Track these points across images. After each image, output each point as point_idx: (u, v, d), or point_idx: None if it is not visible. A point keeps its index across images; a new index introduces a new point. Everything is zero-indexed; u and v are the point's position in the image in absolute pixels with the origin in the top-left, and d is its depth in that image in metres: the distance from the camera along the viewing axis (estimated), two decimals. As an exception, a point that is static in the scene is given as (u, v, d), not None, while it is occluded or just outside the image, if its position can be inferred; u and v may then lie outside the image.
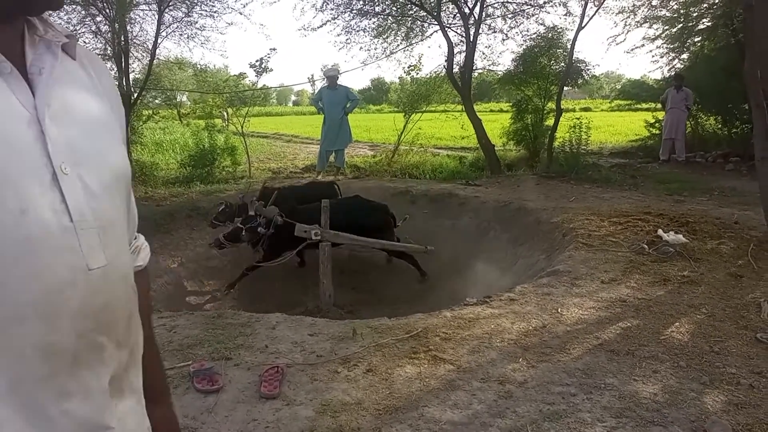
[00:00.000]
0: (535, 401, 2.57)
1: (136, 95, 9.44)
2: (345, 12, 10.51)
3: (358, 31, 10.91)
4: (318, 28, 10.71)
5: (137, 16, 9.83)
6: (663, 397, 2.60)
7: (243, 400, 2.62)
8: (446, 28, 10.19)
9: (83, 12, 9.26)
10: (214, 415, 2.49)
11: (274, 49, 10.34)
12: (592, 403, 2.56)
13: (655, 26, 11.81)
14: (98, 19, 9.34)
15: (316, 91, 11.04)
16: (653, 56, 12.29)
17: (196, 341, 3.27)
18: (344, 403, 2.58)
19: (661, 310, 3.67)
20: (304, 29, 10.86)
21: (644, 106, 15.77)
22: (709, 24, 11.47)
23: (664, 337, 3.25)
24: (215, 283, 6.89)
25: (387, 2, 10.57)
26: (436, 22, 10.23)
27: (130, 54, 9.39)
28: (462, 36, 10.26)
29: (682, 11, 11.51)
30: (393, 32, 11.15)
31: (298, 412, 2.51)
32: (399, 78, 13.14)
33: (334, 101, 9.83)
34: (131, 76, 9.56)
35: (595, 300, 3.88)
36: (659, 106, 11.66)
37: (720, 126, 11.97)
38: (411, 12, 10.77)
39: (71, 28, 9.07)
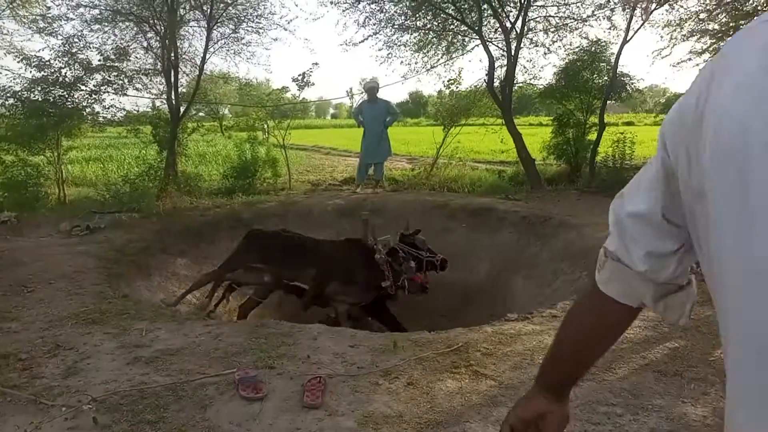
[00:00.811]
0: (579, 420, 2.53)
1: (183, 109, 9.72)
2: (386, 27, 10.62)
3: (399, 45, 10.99)
4: (360, 43, 10.84)
5: (187, 33, 10.17)
6: (712, 420, 2.53)
7: (286, 409, 2.66)
8: (487, 42, 10.19)
9: (135, 28, 9.63)
10: (259, 423, 2.54)
11: (317, 64, 10.51)
12: (639, 424, 2.50)
13: (702, 40, 11.52)
14: (149, 35, 9.70)
15: (356, 105, 11.15)
16: (700, 70, 11.98)
17: (240, 349, 3.35)
18: (386, 415, 2.60)
19: (710, 330, 3.56)
20: (346, 44, 11.02)
21: (690, 120, 15.38)
22: (759, 37, 11.14)
23: (713, 359, 3.15)
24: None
25: (428, 17, 10.63)
26: (477, 37, 10.24)
27: (179, 69, 9.69)
28: (503, 50, 10.23)
29: (731, 24, 11.21)
30: (434, 47, 11.19)
31: (340, 422, 2.54)
32: (438, 91, 13.16)
33: (375, 115, 9.91)
34: (179, 90, 9.85)
35: (640, 319, 3.79)
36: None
37: None
38: (452, 27, 10.80)
39: (124, 43, 9.47)
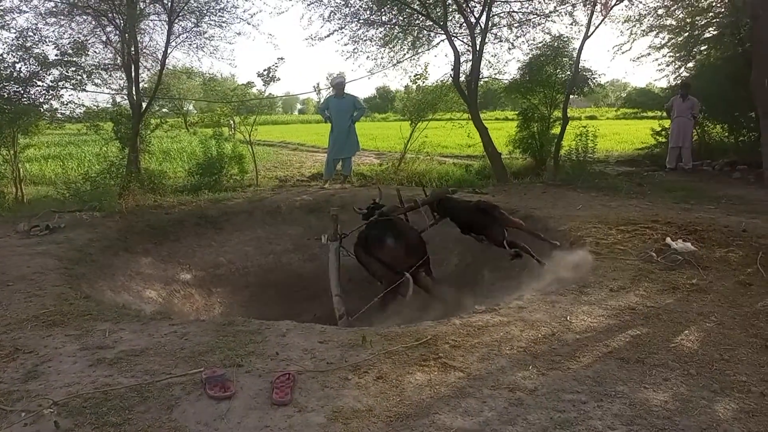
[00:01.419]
0: (545, 409, 2.58)
1: (145, 105, 9.51)
2: (352, 22, 10.57)
3: (365, 40, 10.96)
4: (325, 37, 10.77)
5: (147, 27, 9.93)
6: (674, 405, 2.61)
7: (255, 407, 2.64)
8: (453, 38, 10.25)
9: (93, 22, 9.36)
10: (227, 422, 2.51)
11: (282, 59, 10.41)
12: (603, 410, 2.56)
13: (661, 35, 11.84)
14: (108, 29, 9.44)
15: (323, 100, 11.09)
16: (659, 65, 12.28)
17: (207, 348, 3.30)
18: (355, 410, 2.60)
19: (670, 318, 3.67)
20: (312, 39, 10.93)
21: (650, 114, 15.78)
22: (715, 33, 11.48)
23: (673, 345, 3.25)
24: (222, 291, 6.92)
25: (394, 12, 10.63)
26: (442, 32, 10.29)
27: (140, 64, 9.46)
28: (468, 45, 10.32)
29: (688, 20, 11.53)
30: (400, 41, 11.20)
31: (309, 418, 2.53)
32: (405, 86, 13.16)
33: (342, 110, 9.87)
34: (141, 85, 9.63)
35: (603, 308, 3.88)
36: (665, 114, 11.66)
37: (727, 134, 11.96)
38: (418, 22, 10.82)
39: (81, 37, 9.19)
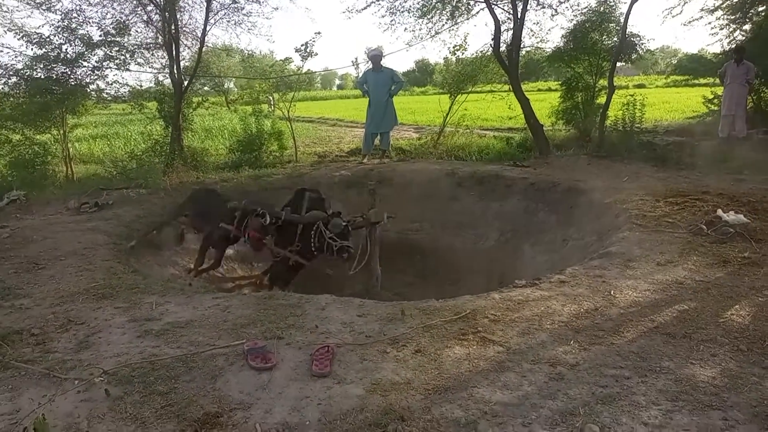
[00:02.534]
0: (587, 384, 2.54)
1: (186, 83, 9.65)
2: (389, -8, 10.41)
3: (402, 11, 10.78)
4: (362, 9, 10.66)
5: (186, 4, 10.04)
6: (722, 381, 2.52)
7: (295, 378, 2.68)
8: (493, 5, 9.95)
9: (135, 2, 9.51)
10: (268, 392, 2.57)
11: (319, 33, 10.36)
12: (647, 386, 2.50)
13: (715, -5, 11.22)
14: (149, 8, 9.58)
15: (361, 74, 11.01)
16: (712, 28, 11.66)
17: (249, 321, 3.37)
18: (394, 382, 2.61)
19: (720, 292, 3.54)
20: (348, 11, 10.83)
21: (702, 81, 15.09)
22: (775, -9, 10.81)
23: (723, 320, 3.13)
24: (263, 266, 7.04)
25: (432, -19, 10.40)
26: (482, 0, 10.02)
27: (180, 42, 9.59)
28: (509, 13, 10.01)
29: (745, -21, 10.89)
30: (438, 11, 10.95)
31: (348, 390, 2.56)
32: (444, 58, 12.91)
33: (379, 83, 9.78)
34: (181, 63, 9.76)
35: (649, 282, 3.77)
36: (718, 81, 11.11)
37: (785, 100, 11.32)
38: (456, -10, 10.57)
39: (123, 17, 9.36)
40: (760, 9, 11.22)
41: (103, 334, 3.24)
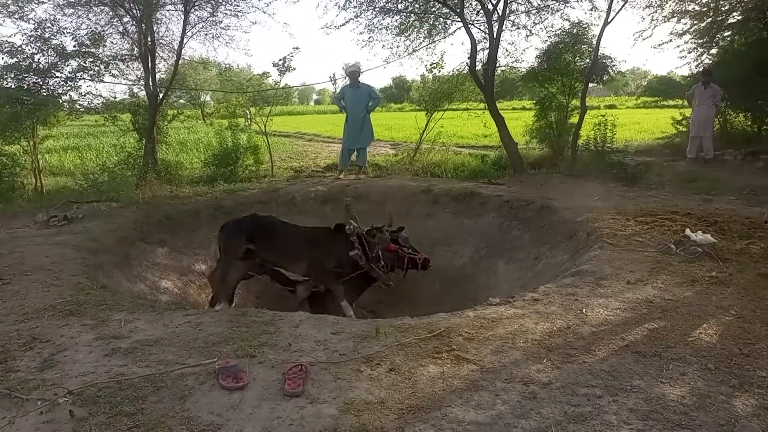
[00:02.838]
0: (559, 403, 2.55)
1: (162, 95, 9.56)
2: (368, 10, 10.49)
3: (380, 29, 10.88)
4: (341, 26, 10.71)
5: (163, 17, 9.96)
6: (691, 400, 2.56)
7: (267, 398, 2.64)
8: (469, 25, 10.12)
9: (111, 13, 9.42)
10: (239, 412, 2.52)
11: (297, 48, 10.39)
12: (618, 405, 2.52)
13: (683, 21, 11.58)
14: (125, 19, 9.49)
15: (338, 90, 11.06)
16: (681, 51, 12.04)
17: (221, 339, 3.31)
18: (367, 402, 2.59)
19: (688, 311, 3.60)
20: (327, 27, 10.88)
21: (671, 102, 15.51)
22: (740, 18, 11.19)
23: (691, 339, 3.19)
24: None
25: (410, 0, 10.53)
26: (459, 19, 10.17)
27: (157, 54, 9.51)
28: (485, 33, 10.18)
29: (711, 5, 11.26)
30: (415, 30, 11.09)
31: (321, 410, 2.53)
32: (421, 76, 13.06)
33: (357, 99, 9.83)
34: (157, 76, 9.68)
35: (620, 300, 3.82)
36: (686, 103, 11.43)
37: (750, 123, 11.68)
38: (434, 9, 10.71)
39: (99, 28, 9.25)
40: (726, 34, 11.62)
41: (68, 353, 3.15)
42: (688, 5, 11.30)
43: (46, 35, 8.40)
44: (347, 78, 10.10)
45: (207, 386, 2.74)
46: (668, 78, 16.34)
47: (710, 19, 11.39)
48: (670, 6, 11.12)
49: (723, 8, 11.21)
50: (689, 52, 11.98)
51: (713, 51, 12.01)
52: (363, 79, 10.06)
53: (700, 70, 11.33)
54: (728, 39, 11.68)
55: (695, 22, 11.58)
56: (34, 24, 8.44)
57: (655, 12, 11.07)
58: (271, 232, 5.42)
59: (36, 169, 8.93)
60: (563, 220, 6.28)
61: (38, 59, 8.33)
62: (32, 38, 8.31)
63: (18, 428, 2.38)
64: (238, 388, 2.71)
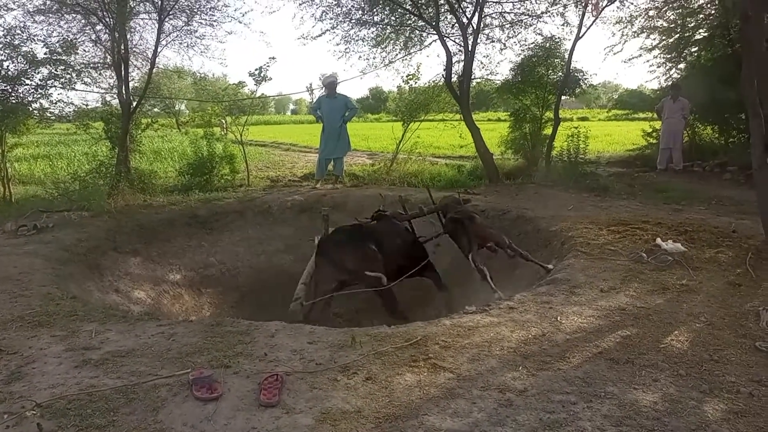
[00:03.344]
0: (535, 410, 2.57)
1: (135, 104, 9.43)
2: (344, 21, 10.55)
3: (357, 40, 10.95)
4: (317, 37, 10.74)
5: (137, 25, 9.84)
6: (663, 406, 2.60)
7: (242, 408, 2.61)
8: (445, 38, 10.24)
9: (83, 21, 9.28)
10: (213, 424, 2.48)
11: (274, 58, 10.37)
12: (593, 411, 2.55)
13: (652, 36, 11.90)
14: (98, 27, 9.34)
15: (315, 100, 11.06)
16: (650, 66, 12.35)
17: (195, 349, 3.26)
18: (344, 411, 2.57)
19: (660, 318, 3.67)
20: (303, 38, 10.89)
21: (641, 115, 15.85)
22: (706, 34, 11.54)
23: (663, 346, 3.25)
24: (212, 292, 6.87)
25: (386, 12, 10.61)
26: (434, 32, 10.28)
27: (130, 62, 9.38)
28: (460, 45, 10.31)
29: (678, 22, 11.59)
30: (392, 41, 11.19)
31: (297, 420, 2.50)
32: (397, 87, 13.15)
33: (333, 109, 9.85)
34: (131, 84, 9.54)
35: (594, 308, 3.88)
36: (656, 116, 11.71)
37: (717, 135, 12.02)
38: (410, 22, 10.81)
39: (71, 36, 9.11)
40: (693, 50, 11.96)
41: (37, 365, 3.07)
42: (657, 22, 11.63)
43: (16, 42, 8.23)
44: (324, 88, 10.12)
45: (180, 397, 2.70)
46: (638, 92, 16.71)
47: (678, 35, 11.72)
48: (640, 22, 11.44)
49: (690, 25, 11.55)
50: (658, 67, 12.30)
51: (681, 66, 12.35)
52: (340, 89, 10.10)
53: (669, 84, 11.65)
54: (695, 54, 12.03)
55: (664, 38, 11.91)
56: (3, 30, 8.27)
57: (625, 28, 11.38)
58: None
59: (4, 177, 8.71)
60: (538, 229, 6.36)
61: (7, 66, 8.16)
62: (1, 45, 8.14)
63: (-17, 443, 2.31)
64: (213, 399, 2.67)
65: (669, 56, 12.16)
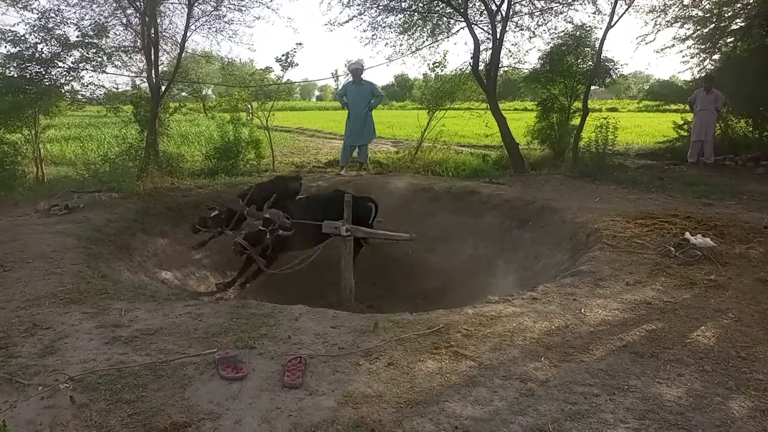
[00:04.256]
0: (557, 400, 2.57)
1: (164, 88, 9.55)
2: (371, 7, 10.49)
3: (384, 27, 10.88)
4: (344, 23, 10.71)
5: (167, 9, 9.94)
6: (687, 401, 2.57)
7: (266, 389, 2.66)
8: (473, 25, 10.11)
9: (114, 4, 9.40)
10: (239, 402, 2.54)
11: (300, 44, 10.38)
12: (615, 404, 2.54)
13: (686, 26, 11.58)
14: (129, 11, 9.47)
15: (341, 86, 11.05)
16: (683, 57, 12.04)
17: (221, 330, 3.33)
18: (365, 395, 2.61)
19: (686, 313, 3.62)
20: (331, 24, 10.86)
21: (673, 107, 15.50)
22: (743, 24, 11.20)
23: (689, 341, 3.21)
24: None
25: (414, -2, 10.53)
26: (462, 19, 10.16)
27: (160, 47, 9.49)
28: (488, 33, 10.19)
29: (714, 11, 11.27)
30: (419, 28, 11.09)
31: (320, 402, 2.54)
32: (423, 74, 13.06)
33: (359, 96, 9.83)
34: (160, 68, 9.65)
35: (619, 301, 3.84)
36: (688, 107, 11.44)
37: (751, 129, 11.70)
38: (437, 8, 10.71)
39: (102, 19, 9.24)
40: (729, 40, 11.62)
41: (69, 340, 3.17)
42: (691, 11, 11.31)
43: (50, 25, 8.38)
44: (350, 75, 10.10)
45: (207, 376, 2.76)
46: (670, 82, 16.29)
47: (713, 25, 11.39)
48: (674, 11, 11.14)
49: (726, 14, 11.22)
50: (692, 58, 11.99)
51: (715, 57, 12.02)
52: (365, 76, 10.08)
53: (703, 75, 11.35)
54: (731, 45, 11.69)
55: (698, 27, 11.59)
56: (37, 14, 8.43)
57: (659, 17, 11.09)
58: None
59: (38, 158, 8.92)
60: (563, 220, 6.30)
61: (41, 49, 8.31)
62: (35, 28, 8.29)
63: (20, 412, 2.39)
64: (238, 379, 2.72)
65: (703, 47, 11.84)
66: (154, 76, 9.28)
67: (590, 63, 10.47)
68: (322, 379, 2.76)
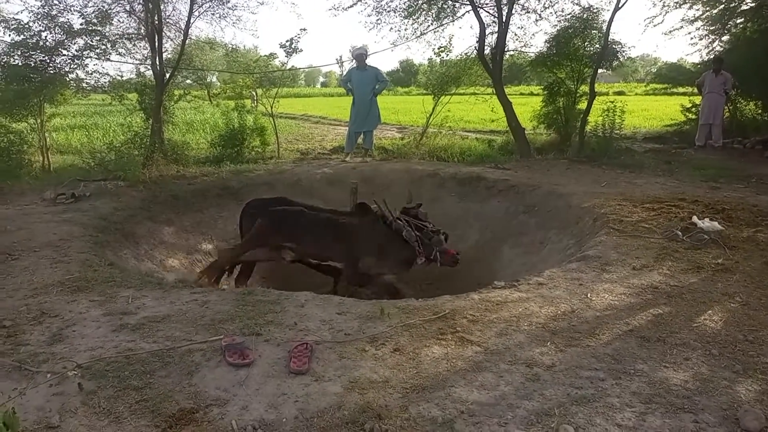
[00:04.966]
0: (563, 385, 2.57)
1: (168, 75, 9.52)
2: (376, -9, 10.42)
3: (388, 11, 10.80)
4: (348, 8, 10.65)
5: (170, -5, 9.88)
6: (694, 385, 2.57)
7: (273, 375, 2.67)
8: (478, 8, 10.02)
9: (118, -9, 9.35)
10: (245, 388, 2.55)
11: (305, 29, 10.30)
12: (621, 388, 2.54)
13: (695, 7, 11.43)
14: (132, -2, 9.43)
15: (345, 72, 10.99)
16: (692, 38, 11.89)
17: (227, 317, 3.34)
18: (372, 380, 2.61)
19: (693, 297, 3.61)
20: (335, 9, 10.80)
21: (681, 90, 15.33)
22: (753, 4, 11.04)
23: (696, 325, 3.20)
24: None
25: (418, -19, 10.43)
26: (467, 2, 10.07)
27: (163, 34, 9.45)
28: (494, 16, 10.09)
29: (724, -9, 11.11)
30: (424, 12, 10.99)
31: (326, 387, 2.56)
32: (428, 59, 12.97)
33: (364, 82, 9.78)
34: (164, 55, 9.62)
35: (625, 286, 3.83)
36: (696, 90, 11.32)
37: (760, 111, 11.57)
38: (443, -9, 10.62)
39: (105, 6, 9.20)
40: (738, 21, 11.46)
41: (77, 328, 3.19)
42: (701, -8, 11.16)
43: (53, 12, 8.36)
44: (354, 60, 10.04)
45: (213, 362, 2.78)
46: (678, 65, 16.09)
47: (723, 5, 11.23)
48: (683, -9, 10.98)
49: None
50: (700, 39, 11.85)
51: (725, 38, 11.87)
52: (370, 61, 10.01)
53: (711, 57, 11.22)
54: (740, 26, 11.53)
55: (707, 8, 11.43)
56: (41, 1, 8.40)
57: (667, -2, 10.93)
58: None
59: (43, 146, 8.94)
60: (569, 205, 6.27)
61: (45, 37, 8.30)
62: (39, 15, 8.27)
63: (29, 399, 2.42)
64: (245, 365, 2.74)
65: (712, 28, 11.68)
66: (158, 63, 9.25)
67: (597, 46, 10.34)
68: (328, 365, 2.77)
